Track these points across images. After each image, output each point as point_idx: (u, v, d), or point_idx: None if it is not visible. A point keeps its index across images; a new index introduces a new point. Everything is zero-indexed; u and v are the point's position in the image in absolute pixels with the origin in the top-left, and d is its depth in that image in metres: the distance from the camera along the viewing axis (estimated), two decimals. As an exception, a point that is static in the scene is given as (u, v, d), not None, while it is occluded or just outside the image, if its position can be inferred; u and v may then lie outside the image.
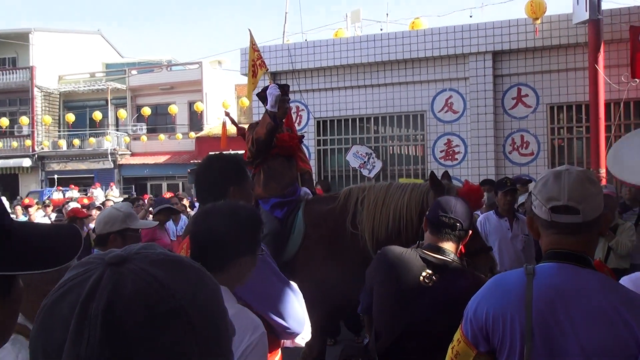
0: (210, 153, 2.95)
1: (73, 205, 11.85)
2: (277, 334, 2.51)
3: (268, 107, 4.84)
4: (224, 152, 3.14)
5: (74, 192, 22.36)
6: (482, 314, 1.98)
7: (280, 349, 2.57)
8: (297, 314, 2.52)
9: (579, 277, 1.86)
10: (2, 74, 31.86)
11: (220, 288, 0.90)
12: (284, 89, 4.98)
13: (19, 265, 1.04)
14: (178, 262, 0.85)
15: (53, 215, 12.08)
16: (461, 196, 4.17)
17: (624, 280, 2.12)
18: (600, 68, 8.98)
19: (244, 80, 26.64)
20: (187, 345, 0.77)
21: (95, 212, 9.97)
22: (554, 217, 1.92)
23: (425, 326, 2.77)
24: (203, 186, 2.74)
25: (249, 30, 6.08)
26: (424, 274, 2.83)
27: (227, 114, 5.93)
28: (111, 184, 25.44)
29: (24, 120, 27.72)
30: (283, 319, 2.46)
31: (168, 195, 10.76)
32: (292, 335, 2.54)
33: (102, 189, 23.26)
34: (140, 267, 0.80)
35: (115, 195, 20.69)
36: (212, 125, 28.97)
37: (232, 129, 6.27)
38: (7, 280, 1.04)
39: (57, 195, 21.80)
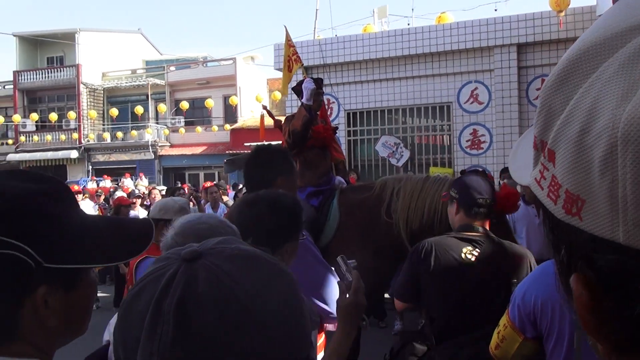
0: (258, 144, 2.92)
1: (119, 194, 11.99)
2: (320, 318, 2.49)
3: (304, 100, 4.81)
4: (272, 143, 3.11)
5: (106, 182, 22.61)
6: (531, 300, 1.94)
7: (324, 331, 2.54)
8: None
9: None
10: (51, 72, 32.35)
11: (297, 283, 0.84)
12: (318, 83, 4.95)
13: (84, 259, 1.01)
14: (253, 258, 0.80)
15: (88, 204, 12.16)
16: (499, 200, 4.07)
17: None
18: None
19: (276, 74, 26.71)
20: (260, 345, 0.72)
21: (136, 201, 10.08)
22: None
23: (476, 300, 2.72)
24: (254, 176, 2.70)
25: (285, 27, 6.05)
26: (464, 250, 2.79)
27: (265, 107, 5.90)
28: (140, 174, 25.57)
29: (72, 114, 28.18)
30: (326, 304, 2.42)
31: (208, 184, 10.78)
32: (335, 319, 2.50)
33: (132, 179, 23.44)
34: (213, 264, 0.76)
35: (144, 184, 20.85)
36: (246, 118, 29.08)
37: (269, 121, 6.25)
38: (74, 273, 1.00)
39: (91, 185, 22.07)
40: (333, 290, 2.44)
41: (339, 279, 1.95)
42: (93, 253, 1.02)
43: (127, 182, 21.89)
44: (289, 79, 6.12)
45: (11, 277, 0.91)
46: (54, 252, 0.95)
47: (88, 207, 11.19)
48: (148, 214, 3.50)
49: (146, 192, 13.77)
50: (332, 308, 2.40)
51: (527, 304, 1.95)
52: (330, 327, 2.59)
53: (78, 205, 1.08)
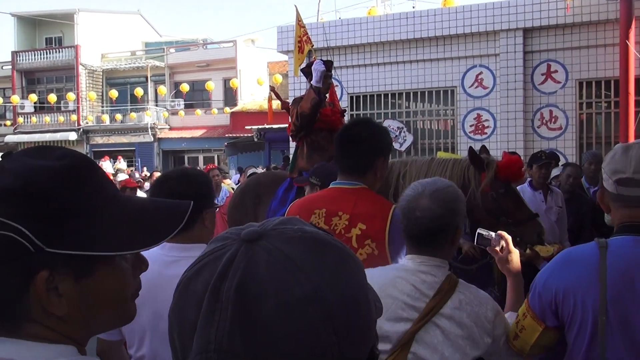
0: (354, 119, 2.72)
1: (123, 176, 11.96)
2: None
3: (313, 82, 4.76)
4: (367, 119, 2.95)
5: (106, 164, 22.43)
6: (552, 289, 1.89)
7: None
8: None
9: None
10: (50, 53, 32.19)
11: (363, 268, 0.78)
12: (328, 65, 4.90)
13: (95, 245, 0.92)
14: (317, 241, 0.74)
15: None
16: (501, 168, 4.08)
17: None
18: (631, 44, 8.67)
19: (277, 57, 26.52)
20: (325, 335, 0.67)
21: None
22: (619, 189, 1.84)
23: None
24: (352, 155, 2.51)
25: (295, 7, 5.98)
26: None
27: (272, 89, 5.84)
28: (118, 157, 25.33)
29: (71, 96, 28.06)
30: None
31: (210, 166, 10.74)
32: None
33: (111, 162, 23.14)
34: (275, 246, 0.71)
35: (123, 167, 20.68)
36: (246, 101, 29.02)
37: (275, 104, 6.20)
38: (86, 259, 0.92)
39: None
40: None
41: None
42: (106, 239, 0.93)
43: (106, 165, 21.63)
44: (301, 61, 6.05)
45: (9, 259, 0.86)
46: (57, 236, 0.88)
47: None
48: None
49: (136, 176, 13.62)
50: None
51: (548, 293, 1.90)
52: None
53: (103, 184, 1.00)
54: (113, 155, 30.87)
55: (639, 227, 1.83)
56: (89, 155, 28.56)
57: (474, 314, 1.92)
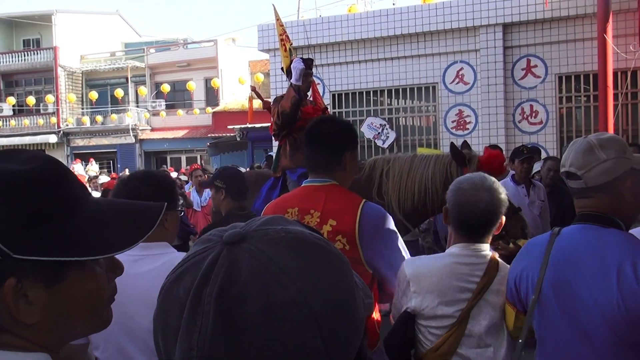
0: (319, 117, 2.74)
1: (104, 179, 11.87)
2: (385, 293, 2.48)
3: (293, 80, 4.74)
4: (332, 116, 2.95)
5: (92, 166, 22.20)
6: (513, 275, 2.10)
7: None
8: None
9: (598, 236, 1.87)
10: (27, 55, 31.78)
11: (349, 266, 0.76)
12: (308, 63, 4.88)
13: (65, 250, 0.88)
14: (301, 241, 0.72)
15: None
16: (483, 163, 4.11)
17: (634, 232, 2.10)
18: (609, 38, 8.75)
19: (258, 56, 26.45)
20: (310, 339, 0.66)
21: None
22: (567, 182, 2.00)
23: None
24: (317, 153, 2.52)
25: (273, 5, 5.97)
26: None
27: (253, 88, 5.83)
28: (90, 159, 25.06)
29: (50, 98, 27.78)
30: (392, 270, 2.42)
31: (195, 166, 10.69)
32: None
33: (82, 165, 22.87)
34: (257, 248, 0.69)
35: (95, 170, 20.49)
36: (228, 101, 28.93)
37: (257, 103, 6.17)
38: (57, 265, 0.89)
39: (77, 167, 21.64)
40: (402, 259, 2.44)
41: None
42: (77, 244, 0.89)
43: (77, 167, 21.36)
44: (288, 58, 6.05)
45: None
46: (24, 242, 0.84)
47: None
48: None
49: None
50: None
51: (511, 279, 2.10)
52: (383, 306, 2.58)
53: (73, 188, 0.96)
54: (97, 157, 30.73)
55: (586, 215, 1.95)
56: (69, 157, 28.29)
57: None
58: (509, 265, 2.25)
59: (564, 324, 1.87)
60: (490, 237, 2.31)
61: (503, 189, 2.29)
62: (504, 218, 2.28)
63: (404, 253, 2.43)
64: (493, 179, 2.30)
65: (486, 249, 2.29)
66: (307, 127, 2.62)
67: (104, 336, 2.09)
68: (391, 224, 2.42)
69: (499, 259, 2.32)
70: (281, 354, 0.65)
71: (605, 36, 8.68)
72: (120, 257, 2.08)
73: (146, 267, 2.07)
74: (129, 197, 2.14)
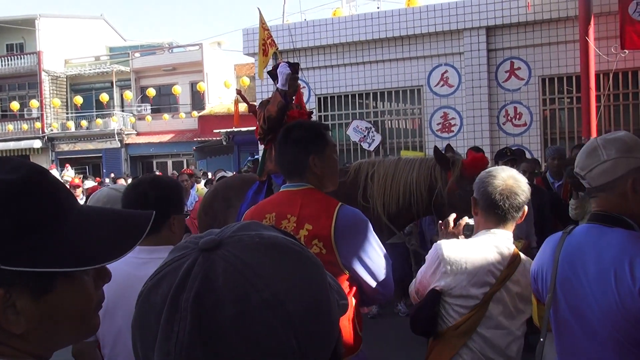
0: (290, 123, 2.74)
1: (90, 184, 11.79)
2: (365, 296, 2.48)
3: (279, 85, 4.77)
4: (301, 121, 2.95)
5: (69, 172, 22.00)
6: (533, 270, 2.20)
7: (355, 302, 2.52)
8: (388, 276, 2.48)
9: (600, 236, 1.91)
10: (11, 60, 31.52)
11: (323, 271, 0.78)
12: (294, 68, 4.91)
13: (52, 261, 0.88)
14: (275, 246, 0.74)
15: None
16: (466, 166, 4.15)
17: None
18: (591, 40, 8.86)
19: (244, 60, 26.37)
20: (285, 340, 0.68)
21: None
22: (582, 182, 2.06)
23: None
24: (286, 155, 2.54)
25: (259, 9, 5.96)
26: None
27: (239, 92, 5.83)
28: (66, 165, 24.85)
29: (34, 103, 27.57)
30: (376, 280, 2.42)
31: (187, 171, 10.65)
32: (383, 299, 2.56)
33: (58, 170, 22.68)
34: (232, 253, 0.71)
35: (70, 175, 20.36)
36: (214, 104, 28.84)
37: (242, 107, 6.18)
38: (49, 275, 0.89)
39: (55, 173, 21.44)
40: (386, 268, 2.46)
41: None
42: (64, 254, 0.89)
43: (53, 173, 21.16)
44: (265, 63, 6.05)
45: None
46: (12, 252, 0.84)
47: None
48: None
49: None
50: (378, 278, 2.42)
51: (532, 272, 2.20)
52: (365, 309, 2.60)
53: (60, 197, 0.95)
54: (83, 162, 30.50)
55: (595, 214, 2.01)
56: (54, 162, 28.01)
57: (528, 279, 2.34)
58: (530, 259, 2.41)
59: (573, 320, 1.93)
60: (514, 226, 2.51)
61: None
62: (526, 208, 2.48)
63: (381, 254, 2.43)
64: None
65: (512, 237, 2.49)
66: (278, 135, 2.65)
67: (113, 335, 2.19)
68: (367, 227, 2.42)
69: (521, 252, 2.53)
70: (257, 356, 0.67)
71: (587, 39, 8.79)
72: (129, 260, 2.15)
73: (152, 270, 2.08)
74: (137, 201, 2.26)
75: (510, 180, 2.44)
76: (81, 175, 22.65)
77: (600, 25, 9.35)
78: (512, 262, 2.43)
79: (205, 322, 0.66)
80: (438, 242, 2.53)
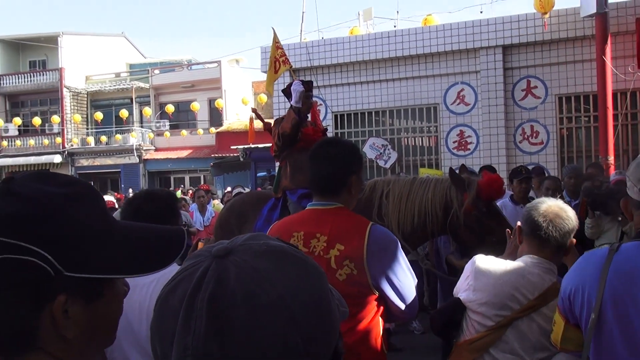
0: (323, 139, 2.70)
1: (107, 198, 11.93)
2: (390, 314, 2.46)
3: (292, 102, 4.80)
4: (337, 138, 2.89)
5: None
6: (567, 288, 2.03)
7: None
8: (414, 297, 2.46)
9: None
10: (34, 76, 32.04)
11: (325, 278, 0.86)
12: (308, 85, 4.95)
13: (108, 269, 0.95)
14: (280, 253, 0.82)
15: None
16: (482, 187, 4.13)
17: None
18: (608, 59, 8.85)
19: (261, 77, 26.56)
20: (290, 338, 0.75)
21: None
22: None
23: None
24: (323, 175, 2.48)
25: (273, 29, 6.03)
26: None
27: (254, 110, 5.89)
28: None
29: (55, 118, 27.93)
30: (404, 301, 2.40)
31: (204, 187, 10.76)
32: (406, 318, 2.52)
33: None
34: (242, 259, 0.78)
35: None
36: (231, 121, 29.02)
37: (258, 124, 6.24)
38: (97, 283, 0.95)
39: None
40: (412, 287, 2.43)
41: None
42: (118, 263, 0.96)
43: None
44: (274, 80, 6.13)
45: (29, 284, 0.87)
46: (75, 260, 0.91)
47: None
48: None
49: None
50: (405, 299, 2.39)
51: (565, 292, 2.04)
52: (387, 325, 2.59)
53: (106, 211, 1.03)
54: (102, 178, 30.79)
55: None
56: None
57: None
58: None
59: (621, 342, 1.81)
60: (561, 258, 2.48)
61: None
62: (574, 240, 2.45)
63: (409, 275, 2.41)
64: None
65: (553, 268, 2.43)
66: (312, 149, 2.59)
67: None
68: (398, 247, 2.40)
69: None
70: (266, 351, 0.73)
71: (604, 58, 8.78)
72: None
73: (148, 278, 2.16)
74: (133, 215, 2.35)
75: (556, 207, 2.40)
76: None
77: (618, 44, 9.34)
78: (544, 294, 2.36)
79: (219, 319, 0.73)
80: (476, 255, 2.53)
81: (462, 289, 2.48)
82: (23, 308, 0.88)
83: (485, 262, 2.45)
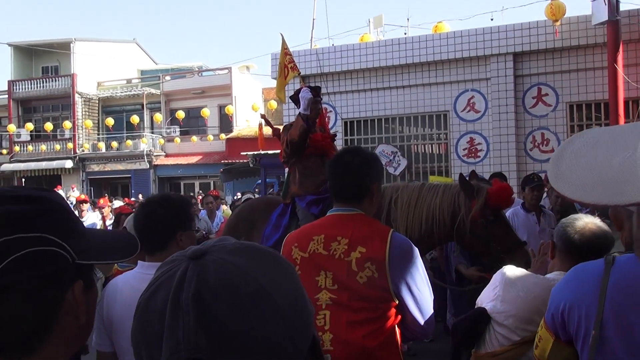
0: (344, 147, 2.74)
1: (118, 203, 11.96)
2: (406, 330, 2.44)
3: (301, 110, 4.81)
4: (358, 147, 2.92)
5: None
6: (560, 303, 1.94)
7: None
8: (432, 315, 2.43)
9: None
10: (46, 82, 32.34)
11: (295, 271, 0.90)
12: (316, 91, 4.95)
13: (99, 257, 1.07)
14: (254, 249, 0.86)
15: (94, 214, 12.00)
16: (491, 195, 4.11)
17: None
18: (619, 67, 8.81)
19: (271, 84, 26.63)
20: (276, 327, 0.78)
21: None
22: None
23: None
24: (346, 183, 2.50)
25: (281, 35, 6.03)
26: None
27: (263, 117, 5.90)
28: (72, 185, 25.21)
29: (67, 124, 28.12)
30: (422, 315, 2.38)
31: (213, 193, 10.78)
32: (422, 333, 2.47)
33: (64, 191, 22.95)
34: (219, 257, 0.81)
35: (75, 195, 20.65)
36: (241, 127, 29.11)
37: (267, 130, 6.25)
38: (91, 271, 1.06)
39: None
40: (430, 304, 2.41)
41: None
42: (103, 252, 1.09)
43: (60, 192, 21.33)
44: (284, 86, 6.14)
45: (53, 273, 0.95)
46: (80, 248, 1.01)
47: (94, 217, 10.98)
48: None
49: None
50: (423, 310, 2.37)
51: (557, 307, 1.95)
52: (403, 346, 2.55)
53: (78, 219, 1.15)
54: (112, 183, 30.94)
55: None
56: (84, 183, 28.41)
57: None
58: None
59: (627, 358, 1.73)
60: None
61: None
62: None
63: (427, 287, 2.40)
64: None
65: None
66: (333, 157, 2.63)
67: (127, 346, 2.26)
68: (418, 255, 2.40)
69: None
70: (253, 341, 0.76)
71: (615, 65, 8.74)
72: (138, 276, 2.32)
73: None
74: (147, 219, 2.41)
75: (592, 224, 2.34)
76: (106, 195, 22.96)
77: (629, 52, 9.28)
78: None
79: (205, 314, 0.75)
80: (505, 266, 2.50)
81: (489, 299, 2.43)
82: (48, 297, 0.95)
83: (516, 273, 2.41)
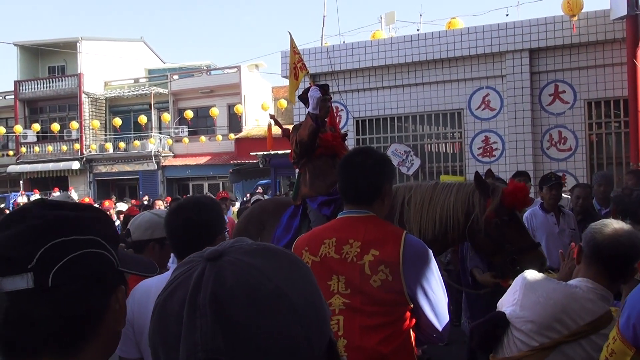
0: (355, 148, 2.72)
1: (123, 206, 12.00)
2: (420, 335, 2.43)
3: (310, 109, 4.80)
4: (368, 148, 2.90)
5: (36, 197, 22.41)
6: (630, 312, 1.93)
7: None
8: (448, 320, 2.42)
9: None
10: (52, 82, 32.54)
11: (311, 271, 0.90)
12: (324, 89, 4.93)
13: (133, 267, 1.17)
14: (270, 249, 0.87)
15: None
16: (506, 195, 4.07)
17: None
18: (639, 63, 8.72)
19: (281, 82, 26.68)
20: (293, 327, 0.78)
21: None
22: None
23: None
24: (357, 184, 2.49)
25: (289, 33, 5.94)
26: None
27: (272, 117, 5.88)
28: (70, 187, 25.33)
29: (74, 125, 28.26)
30: (438, 318, 2.36)
31: (223, 194, 10.79)
32: (437, 338, 2.45)
33: (60, 192, 23.01)
34: (236, 258, 0.82)
35: (73, 198, 20.77)
36: (251, 127, 29.16)
37: (276, 130, 6.24)
38: (126, 282, 1.13)
39: (21, 199, 21.75)
40: (446, 308, 2.40)
41: None
42: (134, 263, 1.20)
43: (21, 199, 21.58)
44: (296, 87, 6.08)
45: (101, 275, 1.04)
46: (119, 257, 1.10)
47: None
48: (127, 233, 3.17)
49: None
50: (438, 314, 2.36)
51: (628, 316, 1.95)
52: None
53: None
54: (120, 184, 31.05)
55: None
56: (92, 184, 28.58)
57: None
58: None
59: None
60: (619, 286, 2.39)
61: None
62: (638, 269, 2.35)
63: (442, 290, 2.39)
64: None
65: (608, 296, 2.32)
66: (343, 158, 2.61)
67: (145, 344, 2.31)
68: (432, 258, 2.39)
69: (614, 315, 2.28)
70: (270, 340, 0.77)
71: (635, 61, 8.66)
72: (156, 281, 2.33)
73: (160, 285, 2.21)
74: (183, 227, 2.37)
75: (622, 231, 2.30)
76: (113, 197, 23.08)
77: (649, 47, 9.19)
78: (596, 322, 2.24)
79: (223, 314, 0.77)
80: (527, 270, 2.49)
81: (509, 304, 2.42)
82: (95, 299, 1.03)
83: (536, 278, 2.39)
